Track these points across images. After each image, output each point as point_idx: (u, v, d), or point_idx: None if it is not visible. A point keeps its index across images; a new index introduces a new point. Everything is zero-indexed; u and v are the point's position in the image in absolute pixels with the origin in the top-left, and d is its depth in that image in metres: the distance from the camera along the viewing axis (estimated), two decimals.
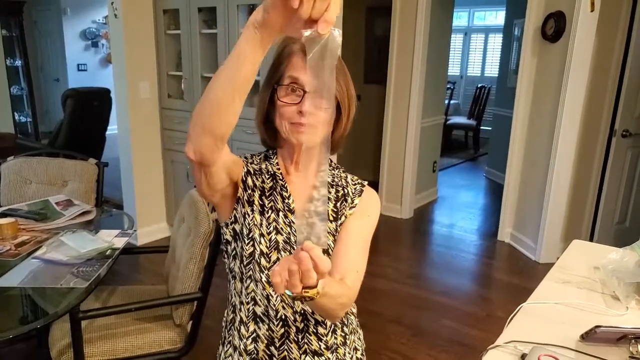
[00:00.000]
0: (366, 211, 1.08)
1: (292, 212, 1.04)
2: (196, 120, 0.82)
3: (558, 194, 3.53)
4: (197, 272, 1.81)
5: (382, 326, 2.77)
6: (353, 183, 1.10)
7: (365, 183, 1.12)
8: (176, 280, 1.90)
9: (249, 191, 1.03)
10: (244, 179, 1.03)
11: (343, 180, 1.10)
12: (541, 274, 1.51)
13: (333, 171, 1.11)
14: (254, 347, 1.06)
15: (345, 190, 1.08)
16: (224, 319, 1.14)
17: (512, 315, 1.24)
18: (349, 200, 1.08)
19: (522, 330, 1.17)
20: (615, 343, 1.11)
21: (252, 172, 1.05)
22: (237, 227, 1.04)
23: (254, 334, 1.06)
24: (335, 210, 1.07)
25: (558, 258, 1.62)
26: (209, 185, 0.95)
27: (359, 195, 1.09)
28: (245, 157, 1.09)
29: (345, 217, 1.06)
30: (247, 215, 1.03)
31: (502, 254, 3.93)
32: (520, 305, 1.29)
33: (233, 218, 1.04)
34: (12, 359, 2.38)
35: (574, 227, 3.73)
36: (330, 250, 1.04)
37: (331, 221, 1.06)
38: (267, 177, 1.06)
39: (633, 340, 1.08)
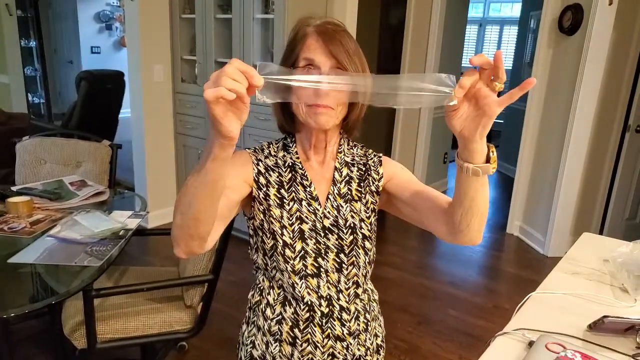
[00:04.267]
0: (398, 166, 1.11)
1: (315, 199, 1.04)
2: (179, 233, 0.85)
3: (569, 189, 3.52)
4: (209, 255, 1.83)
5: (388, 314, 2.77)
6: (371, 157, 1.12)
7: (381, 155, 1.14)
8: (187, 263, 1.93)
9: (264, 189, 1.03)
10: (256, 178, 1.03)
11: (363, 157, 1.11)
12: (549, 268, 1.51)
13: (352, 150, 1.11)
14: (278, 328, 1.07)
15: (367, 165, 1.09)
16: (249, 300, 1.15)
17: (520, 304, 1.25)
18: (373, 173, 1.09)
19: (530, 319, 1.18)
20: (623, 334, 1.11)
21: (265, 170, 1.05)
22: (257, 223, 1.05)
23: (280, 317, 1.07)
24: (359, 189, 1.07)
25: (566, 252, 1.62)
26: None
27: (380, 165, 1.10)
28: (256, 152, 1.07)
29: (375, 192, 1.08)
30: (265, 211, 1.03)
31: (511, 246, 3.93)
32: (529, 295, 1.30)
33: (252, 214, 1.05)
34: (26, 335, 2.43)
35: (583, 221, 3.72)
36: (359, 239, 1.05)
37: (356, 200, 1.06)
38: (284, 169, 1.05)
39: None
